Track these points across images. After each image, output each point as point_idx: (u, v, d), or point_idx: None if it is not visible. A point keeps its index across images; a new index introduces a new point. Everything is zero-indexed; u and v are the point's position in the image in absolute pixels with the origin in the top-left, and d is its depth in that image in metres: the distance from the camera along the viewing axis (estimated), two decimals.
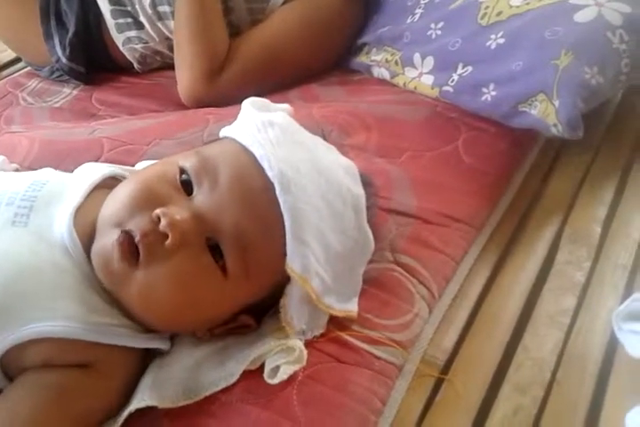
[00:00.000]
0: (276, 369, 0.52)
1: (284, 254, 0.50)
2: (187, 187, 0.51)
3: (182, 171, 0.52)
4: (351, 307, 0.57)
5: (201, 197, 0.50)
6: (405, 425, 0.54)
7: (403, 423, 0.54)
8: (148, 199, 0.50)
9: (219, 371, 0.52)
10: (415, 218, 0.69)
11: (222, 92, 0.90)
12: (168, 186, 0.51)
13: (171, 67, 0.98)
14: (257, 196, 0.50)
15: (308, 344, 0.54)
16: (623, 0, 0.78)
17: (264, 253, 0.50)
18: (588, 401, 0.55)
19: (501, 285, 0.67)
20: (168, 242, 0.48)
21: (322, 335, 0.56)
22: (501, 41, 0.80)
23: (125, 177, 0.59)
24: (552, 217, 0.75)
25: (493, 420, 0.54)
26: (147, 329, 0.52)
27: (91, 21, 1.02)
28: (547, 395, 0.56)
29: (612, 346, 0.59)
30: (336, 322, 0.56)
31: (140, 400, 0.48)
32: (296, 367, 0.52)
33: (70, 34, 1.00)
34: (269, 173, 0.50)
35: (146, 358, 0.53)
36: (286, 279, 0.51)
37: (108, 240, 0.49)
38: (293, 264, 0.50)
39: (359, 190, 0.56)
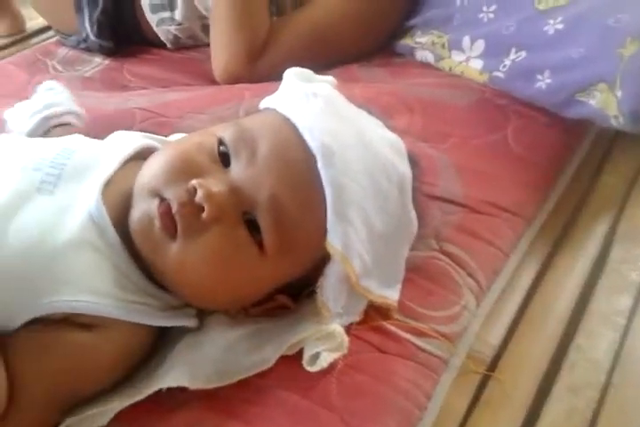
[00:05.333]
0: (315, 356, 0.48)
1: (325, 231, 0.47)
2: (224, 159, 0.49)
3: (220, 142, 0.49)
4: (392, 294, 0.53)
5: (238, 169, 0.47)
6: (449, 423, 0.51)
7: (446, 421, 0.51)
8: (184, 169, 0.47)
9: (254, 355, 0.48)
10: (462, 206, 0.65)
11: (261, 75, 0.85)
12: (205, 157, 0.49)
13: (205, 44, 0.94)
14: (297, 168, 0.47)
15: (348, 332, 0.50)
16: None
17: (303, 228, 0.47)
18: None
19: (552, 280, 0.63)
20: (204, 215, 0.45)
21: (363, 323, 0.52)
22: (560, 26, 0.76)
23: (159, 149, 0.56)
24: (605, 213, 0.71)
25: (544, 423, 0.51)
26: (170, 307, 0.49)
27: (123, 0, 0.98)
28: (602, 398, 0.52)
29: None
30: (377, 310, 0.53)
31: (173, 379, 0.45)
32: (337, 355, 0.48)
33: (98, 12, 0.97)
34: (311, 145, 0.47)
35: (166, 337, 0.50)
36: (326, 258, 0.48)
37: (147, 207, 0.47)
38: (334, 241, 0.47)
39: (405, 168, 0.53)
